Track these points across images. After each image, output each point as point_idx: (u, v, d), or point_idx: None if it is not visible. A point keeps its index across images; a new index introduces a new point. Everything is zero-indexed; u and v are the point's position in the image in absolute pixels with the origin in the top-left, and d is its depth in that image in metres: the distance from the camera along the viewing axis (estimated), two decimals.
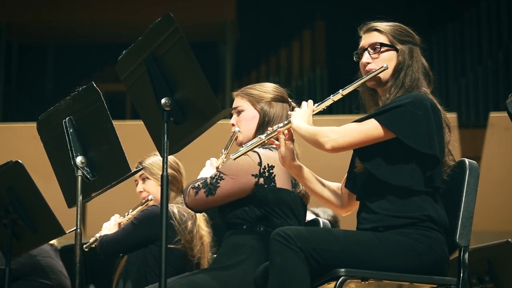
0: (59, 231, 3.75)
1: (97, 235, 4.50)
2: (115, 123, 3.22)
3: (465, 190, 3.05)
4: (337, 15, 10.68)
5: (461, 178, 3.07)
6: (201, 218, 4.39)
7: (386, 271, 2.88)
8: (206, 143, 4.27)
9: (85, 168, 3.20)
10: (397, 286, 3.00)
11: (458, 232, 3.01)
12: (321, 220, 3.50)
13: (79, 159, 3.20)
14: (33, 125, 3.49)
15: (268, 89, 3.51)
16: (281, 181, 3.34)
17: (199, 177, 3.42)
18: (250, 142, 3.21)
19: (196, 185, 3.33)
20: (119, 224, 4.52)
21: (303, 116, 3.08)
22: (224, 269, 3.28)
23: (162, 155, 2.82)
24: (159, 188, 4.12)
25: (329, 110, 3.63)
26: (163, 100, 2.82)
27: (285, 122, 3.14)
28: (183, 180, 4.46)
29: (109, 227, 4.51)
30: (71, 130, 3.24)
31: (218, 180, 3.30)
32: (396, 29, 3.14)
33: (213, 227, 4.45)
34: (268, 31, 10.99)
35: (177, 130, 2.85)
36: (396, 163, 2.97)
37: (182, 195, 3.96)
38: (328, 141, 2.97)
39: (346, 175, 3.22)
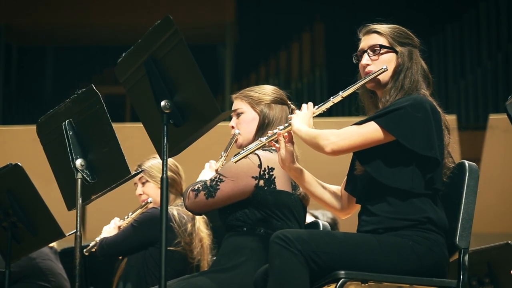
0: (58, 234, 3.74)
1: (97, 239, 4.49)
2: (115, 125, 3.21)
3: (464, 192, 3.05)
4: (336, 17, 10.68)
5: (461, 180, 3.06)
6: (200, 220, 4.39)
7: (386, 273, 2.88)
8: (206, 145, 4.27)
9: (85, 170, 3.20)
10: None
11: (458, 234, 3.01)
12: (320, 223, 3.50)
13: (78, 162, 3.20)
14: (33, 127, 3.49)
15: (267, 91, 3.51)
16: (281, 183, 3.33)
17: (198, 179, 3.42)
18: (250, 145, 3.20)
19: (196, 187, 3.33)
20: (119, 227, 4.51)
21: (303, 118, 3.08)
22: (224, 271, 3.28)
23: (161, 158, 2.82)
24: (159, 190, 4.11)
25: (328, 112, 3.63)
26: (162, 103, 2.82)
27: (286, 124, 3.14)
28: (183, 183, 4.46)
29: (109, 231, 4.50)
30: (70, 133, 3.24)
31: (218, 183, 3.29)
32: (395, 31, 3.14)
33: (213, 229, 4.44)
34: (267, 33, 10.99)
35: (176, 132, 2.85)
36: (396, 166, 2.96)
37: (182, 198, 3.95)
38: (328, 144, 2.97)
39: (345, 178, 3.21)
